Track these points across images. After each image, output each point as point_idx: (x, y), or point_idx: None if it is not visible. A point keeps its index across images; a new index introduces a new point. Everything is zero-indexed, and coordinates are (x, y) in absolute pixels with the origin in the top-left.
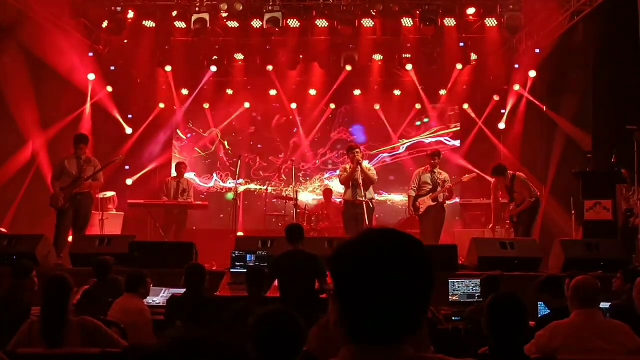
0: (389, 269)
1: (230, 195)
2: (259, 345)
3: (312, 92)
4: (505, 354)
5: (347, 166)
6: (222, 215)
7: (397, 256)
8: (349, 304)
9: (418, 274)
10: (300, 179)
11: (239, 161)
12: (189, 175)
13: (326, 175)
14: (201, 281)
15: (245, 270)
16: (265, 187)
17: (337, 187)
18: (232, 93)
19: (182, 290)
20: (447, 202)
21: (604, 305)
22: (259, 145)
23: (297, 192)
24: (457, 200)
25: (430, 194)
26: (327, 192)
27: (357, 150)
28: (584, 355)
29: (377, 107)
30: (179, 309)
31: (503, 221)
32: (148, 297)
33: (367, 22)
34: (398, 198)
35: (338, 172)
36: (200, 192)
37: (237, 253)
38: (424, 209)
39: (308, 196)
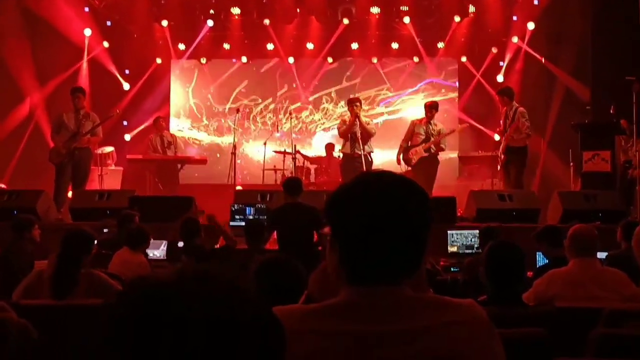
0: (382, 211)
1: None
2: (261, 290)
3: (310, 45)
4: (503, 301)
5: (346, 117)
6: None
7: (390, 197)
8: (345, 246)
9: (412, 215)
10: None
11: (236, 115)
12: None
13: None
14: (196, 232)
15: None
16: (263, 141)
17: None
18: (228, 47)
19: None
20: (440, 153)
21: (601, 255)
22: (256, 96)
23: (295, 146)
24: (455, 154)
25: (423, 144)
26: (329, 147)
27: (357, 103)
28: (581, 302)
29: (374, 60)
30: (180, 260)
31: (502, 174)
32: (148, 251)
33: None
34: None
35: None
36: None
37: (236, 206)
38: (416, 160)
39: (308, 151)
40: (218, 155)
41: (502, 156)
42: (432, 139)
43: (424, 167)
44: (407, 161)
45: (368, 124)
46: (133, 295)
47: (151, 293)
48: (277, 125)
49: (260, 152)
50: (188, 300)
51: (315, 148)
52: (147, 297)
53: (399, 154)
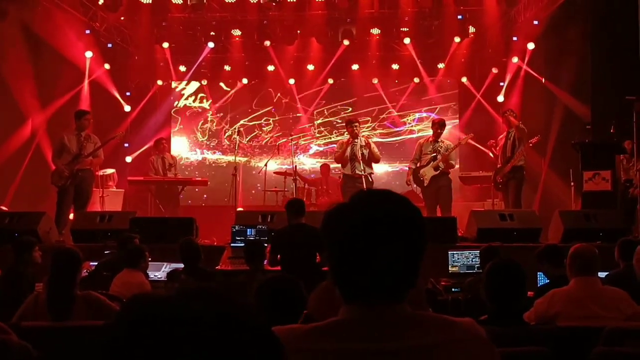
0: (376, 229)
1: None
2: (262, 309)
3: (310, 67)
4: (504, 320)
5: (344, 139)
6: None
7: (385, 216)
8: (340, 266)
9: (407, 233)
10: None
11: (238, 136)
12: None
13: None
14: (196, 255)
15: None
16: (264, 162)
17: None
18: (229, 69)
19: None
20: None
21: (601, 274)
22: (256, 118)
23: (296, 167)
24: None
25: (432, 163)
26: (325, 167)
27: (356, 123)
28: (582, 321)
29: (375, 81)
30: (179, 280)
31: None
32: (150, 272)
33: None
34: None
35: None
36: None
37: (237, 227)
38: (428, 180)
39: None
40: (219, 176)
41: (507, 176)
42: (439, 156)
43: (437, 186)
44: (419, 182)
45: (373, 148)
46: (131, 311)
47: (149, 308)
48: (278, 147)
49: (260, 173)
50: (185, 315)
51: (308, 168)
52: (145, 311)
53: (408, 176)
